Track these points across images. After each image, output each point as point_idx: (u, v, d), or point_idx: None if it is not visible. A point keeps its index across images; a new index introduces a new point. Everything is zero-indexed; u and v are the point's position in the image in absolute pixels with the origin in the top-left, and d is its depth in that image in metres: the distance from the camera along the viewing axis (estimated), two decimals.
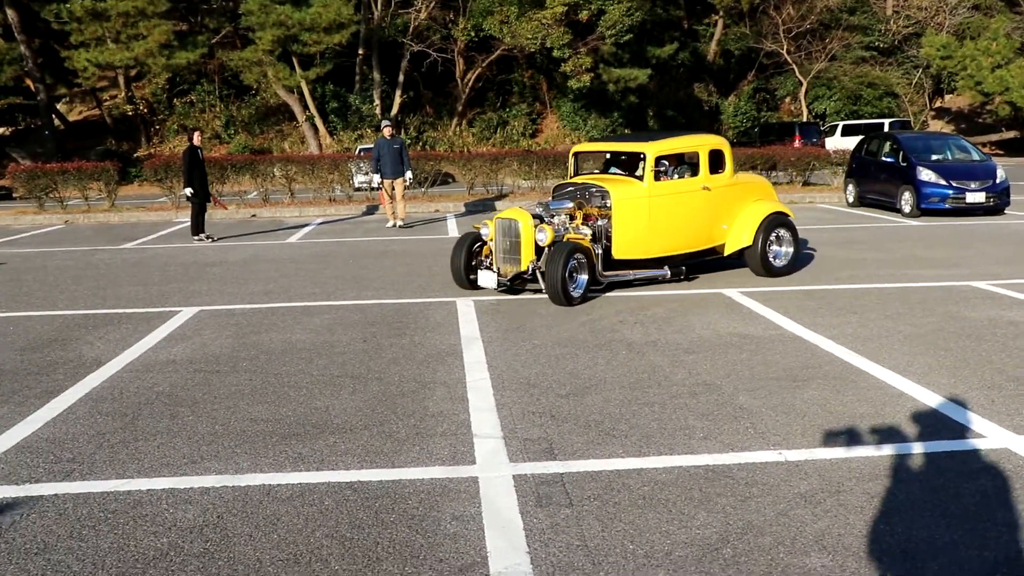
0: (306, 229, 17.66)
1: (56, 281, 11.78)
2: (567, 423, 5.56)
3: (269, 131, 38.43)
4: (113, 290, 10.96)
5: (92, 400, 6.27)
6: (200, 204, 16.19)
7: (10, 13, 33.91)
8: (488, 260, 9.99)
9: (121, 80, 38.90)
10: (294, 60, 33.79)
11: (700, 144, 10.54)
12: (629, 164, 10.74)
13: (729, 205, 10.73)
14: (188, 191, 15.80)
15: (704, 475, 4.71)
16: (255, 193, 23.19)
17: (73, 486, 4.73)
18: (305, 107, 35.94)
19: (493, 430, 5.46)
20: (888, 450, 5.02)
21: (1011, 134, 44.20)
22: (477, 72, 38.70)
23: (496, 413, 5.77)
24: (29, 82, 36.09)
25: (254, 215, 20.51)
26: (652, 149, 10.02)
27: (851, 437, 5.24)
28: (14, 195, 24.99)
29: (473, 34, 36.92)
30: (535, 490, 4.55)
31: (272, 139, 37.80)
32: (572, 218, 9.86)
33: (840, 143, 33.25)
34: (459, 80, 39.32)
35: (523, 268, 9.42)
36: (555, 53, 34.51)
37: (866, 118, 40.56)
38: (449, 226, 17.86)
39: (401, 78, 37.41)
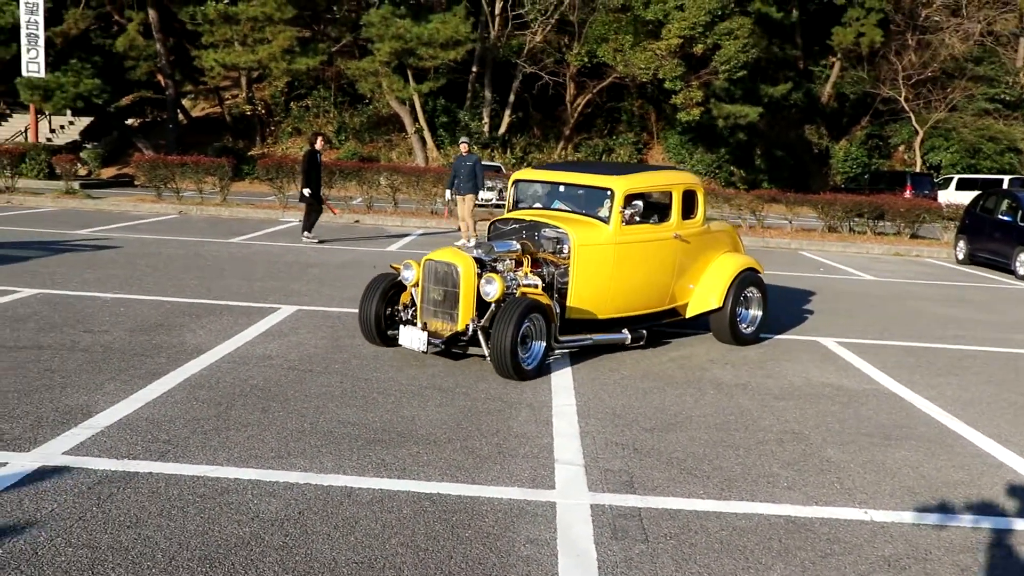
0: (406, 239, 17.94)
1: (167, 268, 12.20)
2: (649, 457, 5.53)
3: (378, 140, 39.19)
4: (218, 282, 11.30)
5: (190, 386, 6.49)
6: (315, 205, 16.59)
7: (151, 13, 35.41)
8: (411, 312, 7.84)
9: (243, 81, 40.21)
10: (408, 73, 34.43)
11: (673, 182, 8.86)
12: (587, 201, 8.58)
13: (697, 258, 9.01)
14: (307, 191, 16.20)
15: (785, 526, 4.63)
16: (360, 199, 23.66)
17: (167, 467, 4.91)
18: (415, 119, 36.56)
19: (575, 457, 5.46)
20: (984, 523, 4.85)
21: None
22: (587, 97, 38.86)
23: (579, 440, 5.78)
24: (160, 78, 37.55)
25: (357, 221, 20.93)
26: (622, 185, 8.18)
27: (943, 504, 5.08)
28: (135, 183, 26.00)
29: (586, 60, 37.08)
30: (612, 522, 4.54)
31: (380, 148, 38.54)
32: (519, 264, 7.95)
33: (954, 197, 32.24)
34: (568, 104, 39.53)
35: (460, 328, 7.34)
36: (667, 84, 34.41)
37: (984, 173, 39.29)
38: None
39: (511, 98, 37.78)
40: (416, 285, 7.75)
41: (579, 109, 39.28)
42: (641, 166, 10.35)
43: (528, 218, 8.40)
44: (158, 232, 16.85)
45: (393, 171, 23.34)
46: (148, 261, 12.87)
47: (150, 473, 4.80)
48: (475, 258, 7.57)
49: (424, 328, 7.43)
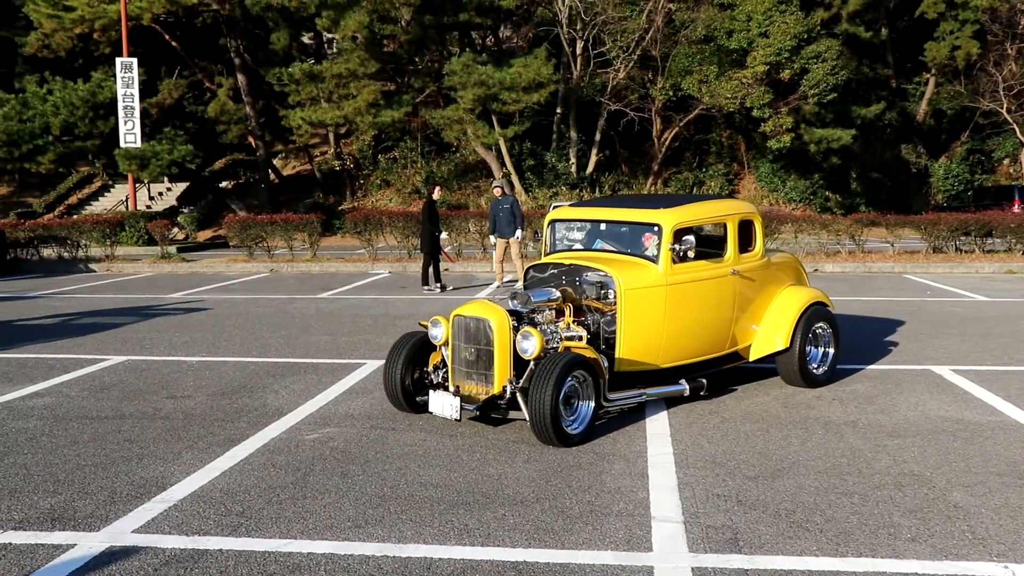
0: (494, 286, 17.71)
1: (254, 328, 12.20)
2: (755, 510, 5.08)
3: (467, 187, 39.32)
4: (303, 339, 11.22)
5: (269, 451, 6.29)
6: (433, 256, 16.70)
7: (240, 78, 36.42)
8: (443, 374, 7.08)
9: (331, 137, 40.93)
10: (493, 118, 34.55)
11: (727, 213, 8.01)
12: (632, 238, 7.80)
13: (758, 294, 8.17)
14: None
15: None
16: (450, 247, 23.55)
17: (238, 542, 4.67)
18: (502, 164, 36.59)
19: (673, 512, 5.05)
20: None
21: None
22: (673, 131, 38.36)
23: (678, 493, 5.37)
24: (251, 140, 38.51)
25: (446, 269, 20.82)
26: (669, 219, 7.38)
27: None
28: (229, 244, 26.48)
29: (671, 93, 36.64)
30: None
31: (469, 195, 38.64)
32: (559, 314, 7.24)
33: None
34: (655, 139, 39.08)
35: (496, 391, 6.55)
36: (755, 113, 33.71)
37: None
38: None
39: (597, 136, 37.54)
40: (446, 344, 7.00)
41: (667, 143, 38.78)
42: (690, 196, 9.67)
43: (568, 262, 7.60)
44: (248, 291, 16.99)
45: (482, 216, 23.18)
46: (236, 321, 12.91)
47: (220, 550, 4.57)
48: (510, 311, 6.89)
49: (456, 392, 6.66)
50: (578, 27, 35.44)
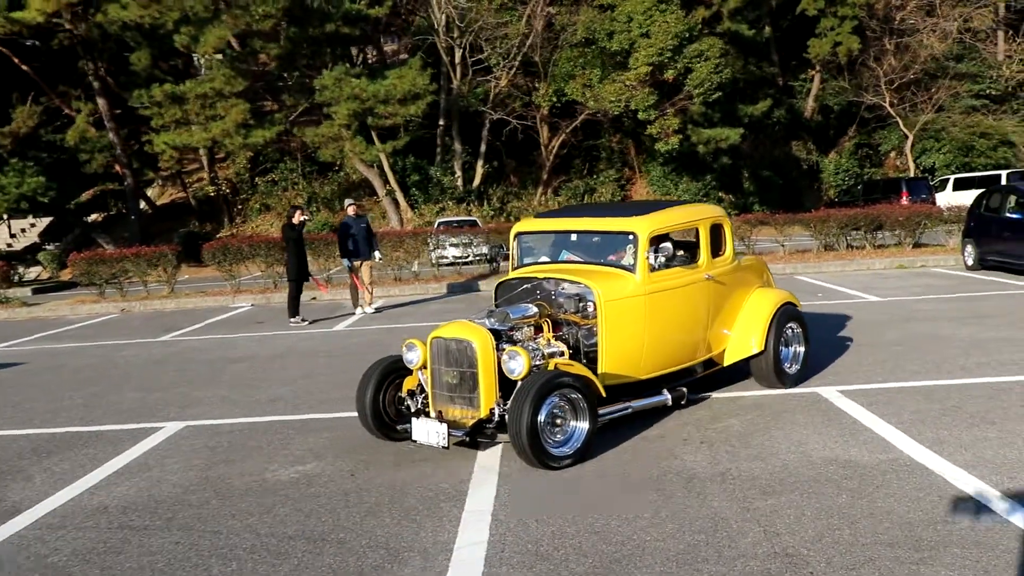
0: (361, 312, 16.22)
1: (59, 387, 10.49)
2: None
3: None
4: (109, 398, 9.59)
5: None
6: (297, 285, 15.46)
7: (100, 102, 34.12)
8: (422, 399, 6.71)
9: (205, 161, 38.82)
10: (373, 134, 33.02)
11: (698, 217, 7.78)
12: (603, 248, 7.63)
13: (730, 298, 7.98)
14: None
15: None
16: (325, 275, 21.81)
17: None
18: (385, 181, 35.08)
19: None
20: None
21: None
22: (561, 139, 37.32)
23: None
24: (118, 168, 36.15)
25: (314, 298, 19.23)
26: (645, 227, 7.15)
27: None
28: (80, 283, 24.36)
29: (555, 99, 35.63)
30: None
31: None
32: (538, 329, 6.86)
33: (953, 198, 30.52)
34: (543, 147, 38.01)
35: (483, 414, 6.20)
36: (640, 115, 32.88)
37: (980, 170, 37.64)
38: None
39: (483, 148, 36.31)
40: (423, 368, 6.69)
41: (554, 151, 37.73)
42: (659, 203, 9.01)
43: (541, 275, 7.29)
44: (82, 338, 15.17)
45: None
46: (44, 378, 11.17)
47: None
48: (490, 330, 6.49)
49: (439, 418, 6.30)
50: (455, 35, 34.21)
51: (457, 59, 34.91)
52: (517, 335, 6.71)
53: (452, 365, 6.40)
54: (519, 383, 6.09)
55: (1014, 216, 16.33)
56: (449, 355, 6.42)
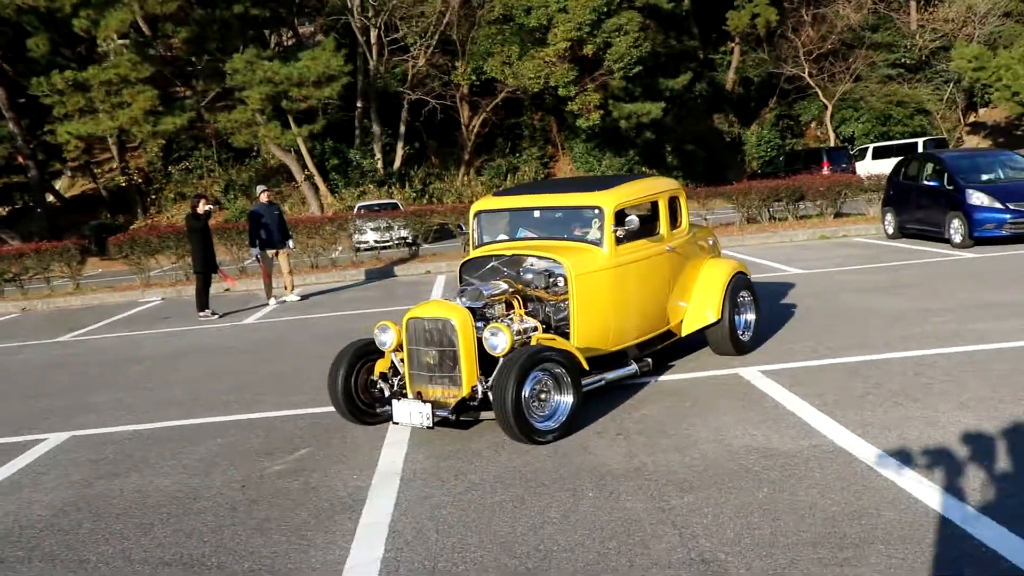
0: (272, 305, 15.61)
1: None
2: None
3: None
4: None
5: None
6: (205, 277, 14.77)
7: None
8: (397, 381, 6.65)
9: (115, 151, 37.44)
10: (289, 118, 32.11)
11: (658, 190, 7.95)
12: (565, 224, 7.70)
13: (685, 269, 8.10)
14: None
15: None
16: (241, 265, 21.02)
17: None
18: (304, 166, 34.20)
19: None
20: None
21: None
22: (482, 118, 36.78)
23: None
24: (21, 159, 34.66)
25: (228, 289, 18.51)
26: (610, 200, 7.21)
27: None
28: None
29: (475, 78, 35.09)
30: None
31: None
32: (508, 307, 6.85)
33: (872, 167, 30.84)
34: (464, 127, 37.45)
35: (465, 393, 6.14)
36: (561, 92, 32.51)
37: (897, 138, 38.15)
38: (435, 292, 15.77)
39: (403, 129, 35.62)
40: (396, 350, 6.67)
41: (476, 131, 37.20)
42: (619, 177, 8.96)
43: (508, 252, 7.27)
44: None
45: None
46: None
47: None
48: (468, 308, 6.46)
49: (419, 397, 6.28)
50: (370, 14, 33.41)
51: (373, 39, 34.16)
52: (489, 312, 6.70)
53: (431, 344, 6.32)
54: (501, 359, 6.07)
55: (932, 184, 16.35)
56: (428, 335, 6.34)
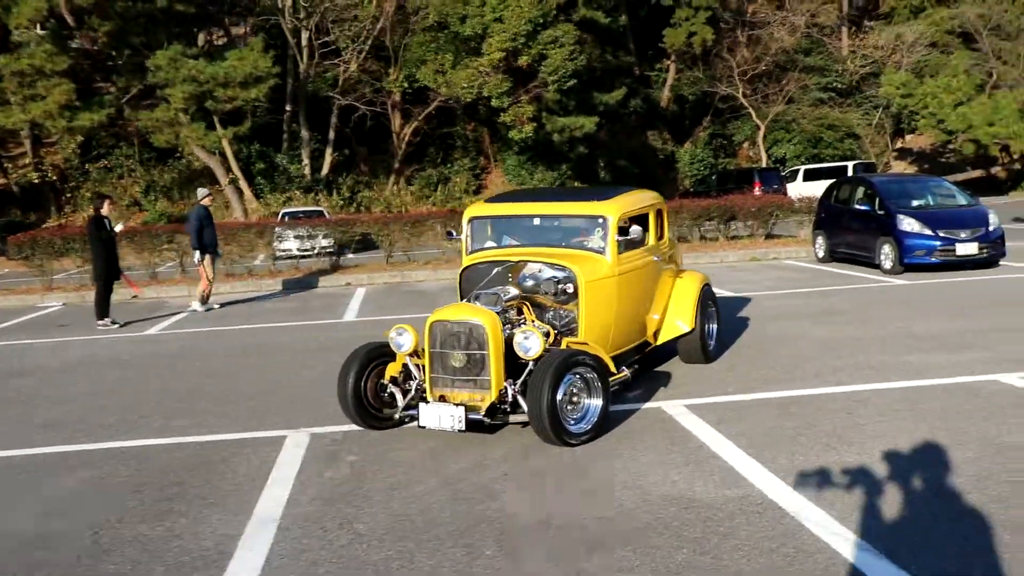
0: (183, 314, 14.77)
1: None
2: None
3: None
4: None
5: None
6: (106, 284, 13.80)
7: None
8: (415, 384, 6.55)
9: (28, 145, 35.90)
10: (215, 119, 31.08)
11: (651, 203, 8.27)
12: (564, 232, 7.85)
13: (662, 279, 8.39)
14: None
15: None
16: (144, 270, 19.99)
17: None
18: (228, 169, 33.15)
19: None
20: None
21: (976, 173, 42.37)
22: (414, 126, 36.11)
23: None
24: None
25: (135, 297, 17.55)
26: (615, 210, 7.44)
27: None
28: None
29: (407, 85, 34.43)
30: None
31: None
32: (520, 312, 6.89)
33: (803, 189, 30.92)
34: (395, 135, 36.73)
35: (494, 396, 6.07)
36: (494, 102, 32.03)
37: (828, 161, 38.47)
38: (353, 305, 15.06)
39: (332, 135, 34.78)
40: (414, 354, 6.62)
41: (407, 139, 36.52)
42: (615, 188, 9.16)
43: (514, 258, 7.33)
44: None
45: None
46: None
47: None
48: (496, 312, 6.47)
49: (443, 400, 6.26)
50: (301, 16, 32.55)
51: (304, 41, 33.32)
52: (503, 317, 6.59)
53: (458, 347, 6.28)
54: (532, 363, 6.12)
55: (863, 208, 16.15)
56: (455, 337, 6.29)
